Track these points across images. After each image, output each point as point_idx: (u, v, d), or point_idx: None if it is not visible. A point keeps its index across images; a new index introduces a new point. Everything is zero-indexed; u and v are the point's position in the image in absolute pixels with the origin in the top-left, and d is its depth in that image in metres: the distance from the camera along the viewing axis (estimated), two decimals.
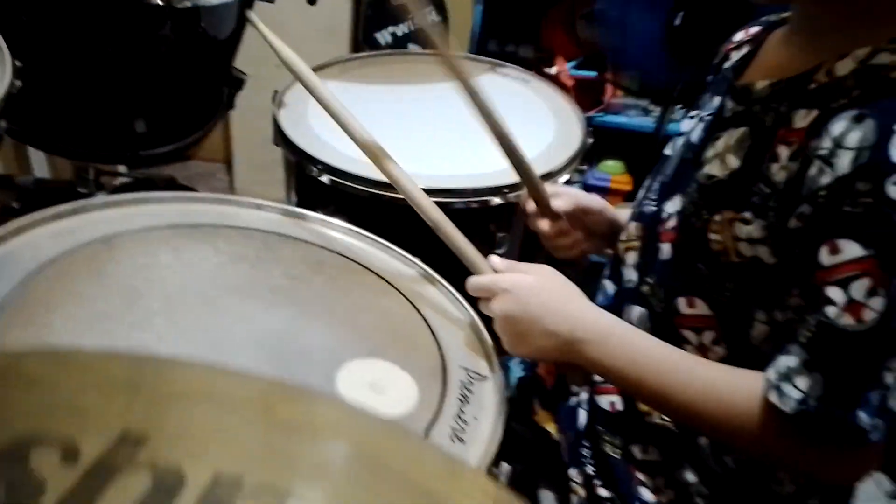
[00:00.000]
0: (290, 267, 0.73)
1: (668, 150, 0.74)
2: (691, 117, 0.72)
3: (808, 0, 0.58)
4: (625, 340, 0.62)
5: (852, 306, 0.49)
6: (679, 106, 1.79)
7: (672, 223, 0.66)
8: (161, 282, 0.64)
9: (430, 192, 0.89)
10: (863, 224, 0.48)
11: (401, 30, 2.09)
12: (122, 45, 0.97)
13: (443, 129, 1.16)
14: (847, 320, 0.49)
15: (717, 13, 1.47)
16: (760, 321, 0.59)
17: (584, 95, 1.81)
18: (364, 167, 0.97)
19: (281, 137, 1.09)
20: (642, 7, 1.50)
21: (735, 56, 0.71)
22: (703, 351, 0.63)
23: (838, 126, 0.50)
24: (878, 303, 0.48)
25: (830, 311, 0.49)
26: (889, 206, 0.47)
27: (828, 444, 0.52)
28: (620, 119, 1.88)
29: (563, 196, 0.82)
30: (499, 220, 1.04)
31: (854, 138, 0.49)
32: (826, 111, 0.52)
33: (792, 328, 0.53)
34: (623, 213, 0.85)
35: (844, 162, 0.49)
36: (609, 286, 0.76)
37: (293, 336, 0.64)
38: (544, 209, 0.81)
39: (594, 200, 0.84)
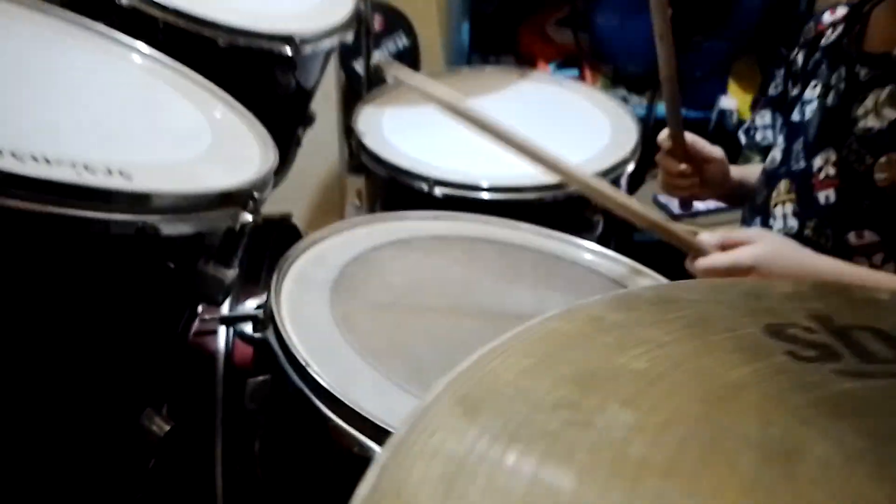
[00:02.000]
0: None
1: (795, 117, 0.86)
2: (808, 87, 0.84)
3: None
4: (858, 277, 0.71)
5: None
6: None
7: (829, 172, 0.77)
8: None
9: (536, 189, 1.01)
10: None
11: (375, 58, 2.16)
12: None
13: (526, 129, 1.25)
14: None
15: (699, 8, 1.65)
16: None
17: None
18: (470, 176, 1.06)
19: (376, 161, 1.14)
20: (635, 7, 1.64)
21: (833, 33, 0.83)
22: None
23: None
24: None
25: None
26: None
27: None
28: None
29: (697, 144, 0.92)
30: (592, 205, 1.14)
31: None
32: None
33: None
34: (735, 170, 0.97)
35: None
36: None
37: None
38: (676, 149, 0.91)
39: (715, 151, 0.94)
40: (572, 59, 2.15)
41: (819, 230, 0.78)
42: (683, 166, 0.91)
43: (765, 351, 0.28)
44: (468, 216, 0.93)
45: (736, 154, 2.05)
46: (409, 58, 2.10)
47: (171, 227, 0.49)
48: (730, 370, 0.26)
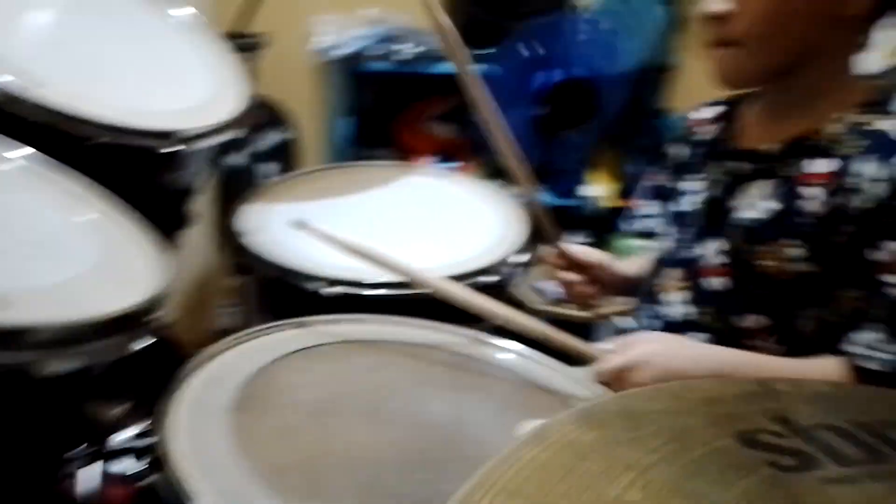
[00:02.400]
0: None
1: (679, 208, 0.91)
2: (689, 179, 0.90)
3: (780, 91, 0.80)
4: (748, 364, 0.75)
5: None
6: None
7: (716, 261, 0.82)
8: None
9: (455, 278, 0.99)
10: None
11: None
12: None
13: (416, 224, 1.25)
14: None
15: (567, 107, 1.78)
16: (810, 319, 0.77)
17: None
18: (365, 273, 1.03)
19: (260, 262, 1.08)
20: (516, 101, 1.74)
21: (705, 131, 0.91)
22: (767, 353, 0.79)
23: (865, 167, 0.70)
24: None
25: (894, 291, 0.68)
26: None
27: None
28: None
29: (583, 253, 0.97)
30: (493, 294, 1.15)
31: (883, 173, 0.69)
32: (843, 158, 0.72)
33: (855, 316, 0.71)
34: (628, 265, 1.02)
35: (878, 190, 0.69)
36: (654, 325, 0.90)
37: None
38: (570, 263, 0.95)
39: (605, 257, 0.99)
40: (451, 154, 2.23)
41: (713, 315, 0.82)
42: (579, 277, 0.95)
43: (748, 465, 0.27)
44: (373, 317, 0.90)
45: (606, 240, 2.19)
46: (290, 151, 2.08)
47: (53, 364, 0.42)
48: (724, 491, 0.25)
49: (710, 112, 0.93)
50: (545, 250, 0.97)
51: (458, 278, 1.04)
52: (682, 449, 0.29)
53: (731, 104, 0.89)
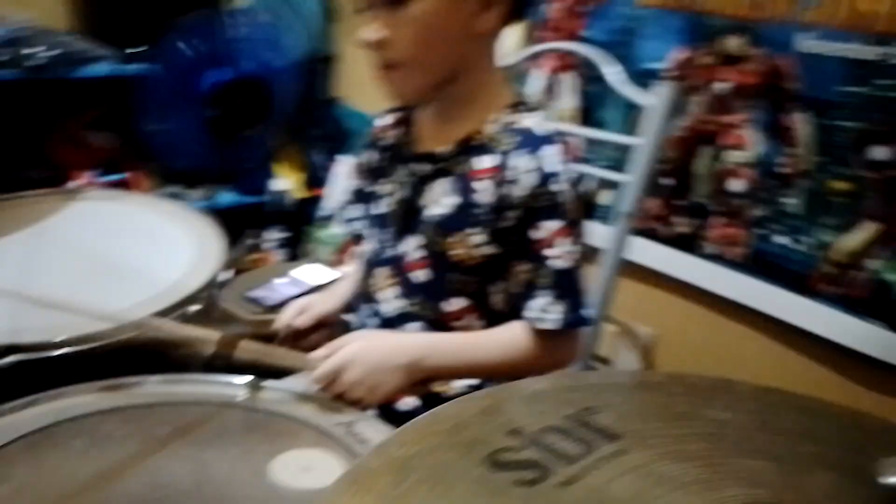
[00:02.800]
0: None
1: (376, 210, 0.96)
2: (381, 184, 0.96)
3: (443, 99, 0.88)
4: (442, 343, 0.85)
5: (564, 255, 0.82)
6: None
7: (416, 256, 0.89)
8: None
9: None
10: (550, 208, 0.82)
11: None
12: None
13: (97, 259, 1.11)
14: (564, 263, 0.82)
15: (241, 108, 1.74)
16: (498, 294, 0.89)
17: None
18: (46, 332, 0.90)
19: None
20: (183, 104, 1.64)
21: (388, 137, 0.97)
22: (470, 330, 0.90)
23: (518, 160, 0.82)
24: (572, 248, 0.83)
25: (553, 262, 0.82)
26: (557, 197, 0.81)
27: (573, 338, 0.86)
28: None
29: (304, 313, 1.00)
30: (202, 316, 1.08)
31: (528, 165, 0.81)
32: (500, 154, 0.84)
33: (529, 286, 0.84)
34: (338, 287, 1.06)
35: (529, 179, 0.81)
36: (371, 322, 0.96)
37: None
38: (294, 335, 0.99)
39: (326, 303, 1.03)
40: (114, 164, 2.01)
41: (422, 304, 0.90)
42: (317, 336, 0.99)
43: (500, 490, 0.32)
44: (76, 388, 0.78)
45: (300, 234, 2.20)
46: None
47: None
48: None
49: (390, 118, 1.00)
50: (282, 330, 0.99)
51: (162, 314, 0.97)
52: (447, 489, 0.32)
53: (408, 110, 0.97)
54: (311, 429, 0.75)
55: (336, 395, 0.79)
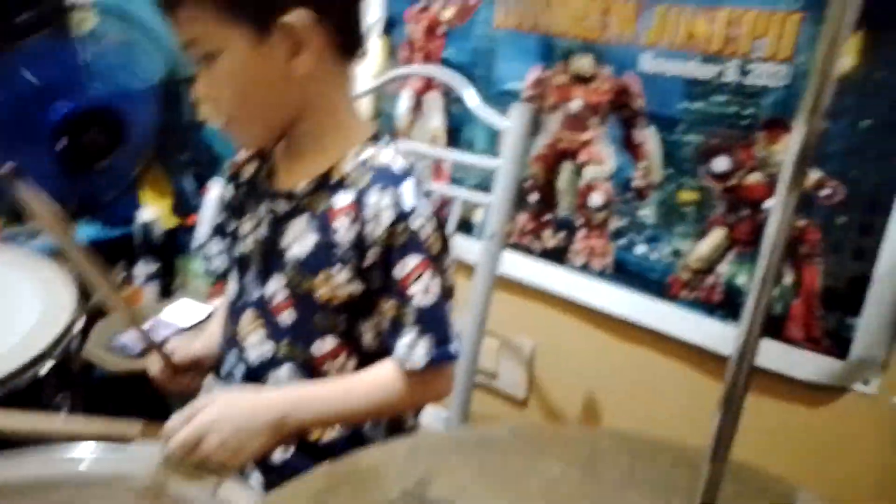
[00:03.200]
0: None
1: (238, 251, 0.92)
2: (242, 222, 0.92)
3: (293, 138, 0.86)
4: (308, 395, 0.82)
5: (426, 289, 0.82)
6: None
7: (281, 297, 0.86)
8: None
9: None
10: (410, 244, 0.81)
11: None
12: None
13: None
14: (427, 299, 0.82)
15: (93, 139, 1.63)
16: (368, 332, 0.87)
17: None
18: None
19: None
20: (29, 136, 1.52)
21: (245, 171, 0.94)
22: (343, 372, 0.88)
23: (373, 197, 0.80)
24: (434, 283, 0.82)
25: (416, 299, 0.81)
26: (417, 233, 0.81)
27: (442, 373, 0.85)
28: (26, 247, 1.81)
29: (177, 352, 0.97)
30: (55, 383, 1.00)
31: (385, 202, 0.80)
32: (357, 192, 0.82)
33: (395, 324, 0.83)
34: (213, 325, 1.01)
35: (386, 216, 0.80)
36: (238, 370, 0.92)
37: None
38: (169, 369, 0.96)
39: (201, 343, 0.99)
40: None
41: (290, 347, 0.87)
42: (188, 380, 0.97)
43: None
44: None
45: (172, 265, 2.10)
46: None
47: None
48: None
49: (246, 154, 0.96)
50: (155, 368, 0.96)
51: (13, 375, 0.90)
52: None
53: (264, 146, 0.93)
54: (169, 500, 0.71)
55: (197, 462, 0.75)
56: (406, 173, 0.83)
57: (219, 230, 1.02)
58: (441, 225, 0.84)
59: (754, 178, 1.13)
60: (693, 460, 0.43)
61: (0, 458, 0.73)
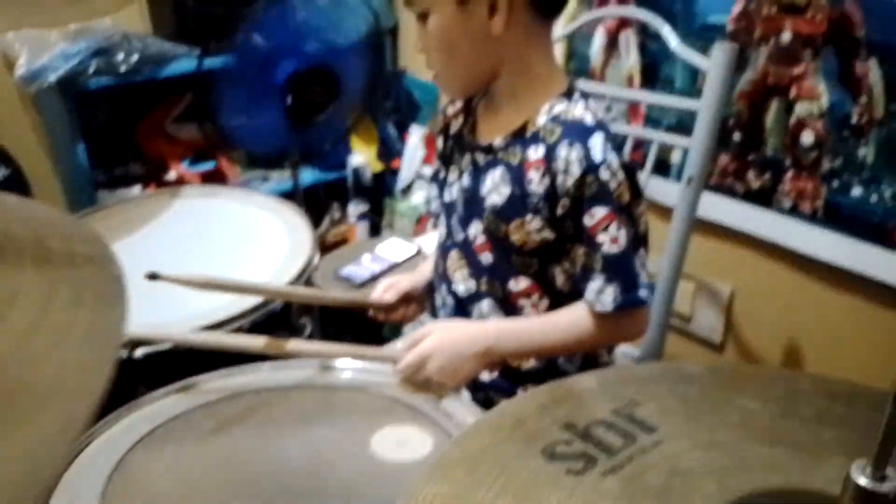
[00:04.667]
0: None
1: (446, 198, 1.03)
2: (451, 171, 1.02)
3: (492, 94, 0.94)
4: (512, 329, 0.92)
5: (612, 239, 0.86)
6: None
7: (481, 240, 0.96)
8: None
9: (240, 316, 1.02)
10: (598, 196, 0.85)
11: None
12: None
13: (207, 248, 1.23)
14: (614, 248, 0.86)
15: (313, 95, 1.82)
16: (560, 275, 0.94)
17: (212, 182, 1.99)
18: (169, 326, 1.02)
19: None
20: (261, 95, 1.73)
21: (454, 125, 1.03)
22: (537, 309, 0.96)
23: (563, 151, 0.85)
24: (622, 233, 0.86)
25: (604, 247, 0.86)
26: (605, 184, 0.85)
27: (632, 316, 0.90)
28: (260, 190, 2.09)
29: (390, 290, 1.08)
30: (299, 307, 1.20)
31: (574, 155, 0.85)
32: (549, 146, 0.87)
33: (585, 269, 0.89)
34: (423, 265, 1.14)
35: (576, 169, 0.85)
36: (448, 302, 1.03)
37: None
38: (384, 310, 1.08)
39: (411, 280, 1.10)
40: (202, 153, 2.16)
41: (490, 284, 0.97)
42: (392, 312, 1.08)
43: (552, 478, 0.38)
44: (203, 378, 0.90)
45: (380, 205, 2.30)
46: (17, 188, 1.87)
47: None
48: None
49: (455, 107, 1.05)
50: (374, 300, 1.08)
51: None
52: (509, 478, 0.39)
53: (469, 101, 1.01)
54: (403, 406, 0.84)
55: (418, 384, 0.87)
56: (595, 127, 0.87)
57: (434, 177, 1.13)
58: (631, 175, 0.87)
59: None
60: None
61: (269, 365, 0.92)
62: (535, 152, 0.88)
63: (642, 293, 0.88)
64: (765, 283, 1.42)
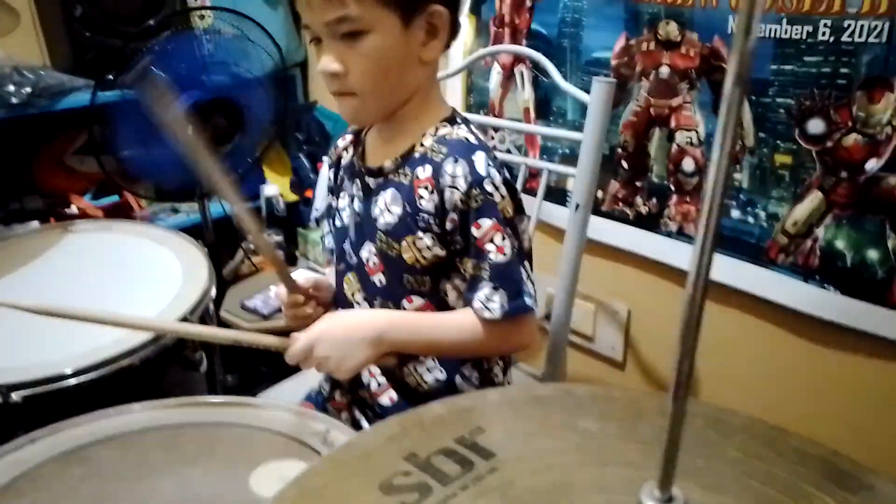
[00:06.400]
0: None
1: (337, 223, 1.04)
2: (341, 198, 1.03)
3: (389, 121, 0.95)
4: (403, 319, 0.94)
5: (499, 249, 0.89)
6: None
7: (374, 261, 0.97)
8: None
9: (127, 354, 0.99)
10: (484, 208, 0.88)
11: None
12: None
13: (98, 282, 1.19)
14: (500, 256, 0.89)
15: (217, 127, 1.80)
16: (452, 292, 0.96)
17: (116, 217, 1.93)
18: (51, 367, 0.98)
19: None
20: (161, 129, 1.70)
21: (346, 155, 1.04)
22: None
23: (449, 167, 0.88)
24: (507, 243, 0.89)
25: (491, 256, 0.89)
26: (491, 196, 0.88)
27: (518, 324, 0.92)
28: (167, 223, 2.04)
29: (301, 278, 1.05)
30: (194, 342, 1.16)
31: (460, 171, 0.88)
32: (436, 164, 0.90)
33: (472, 279, 0.91)
34: (329, 279, 1.13)
35: (462, 184, 0.88)
36: None
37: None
38: (292, 289, 1.02)
39: (322, 278, 1.09)
40: (105, 186, 2.09)
41: (383, 304, 0.99)
42: (310, 310, 1.03)
43: None
44: (71, 422, 0.86)
45: (294, 235, 2.28)
46: None
47: None
48: None
49: (345, 140, 1.07)
50: (281, 293, 1.03)
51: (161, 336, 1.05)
52: None
53: (357, 133, 1.04)
54: (291, 440, 0.83)
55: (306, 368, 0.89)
56: (478, 146, 0.91)
57: (328, 210, 1.14)
58: (513, 192, 0.91)
59: (852, 139, 1.09)
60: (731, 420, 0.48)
61: (145, 405, 0.89)
62: (424, 171, 0.91)
63: (528, 300, 0.91)
64: (658, 302, 1.48)
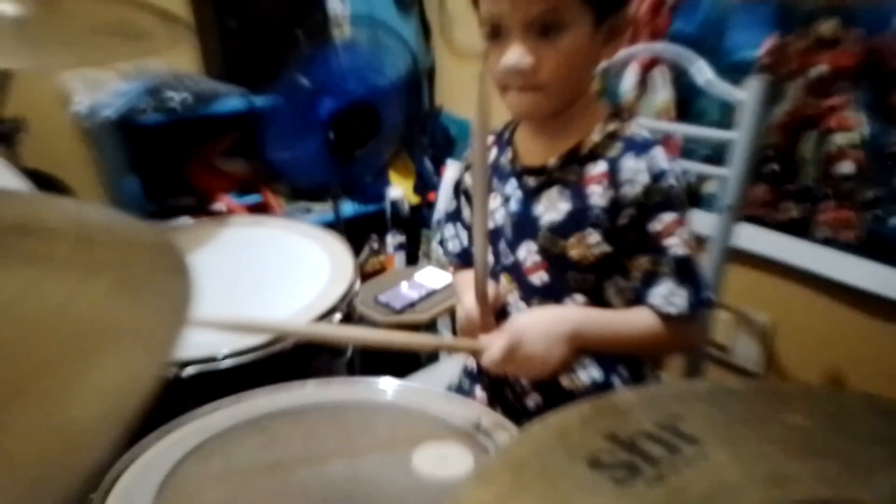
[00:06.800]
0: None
1: (490, 225, 1.04)
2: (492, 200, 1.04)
3: (553, 121, 0.95)
4: (594, 314, 0.93)
5: (684, 243, 0.88)
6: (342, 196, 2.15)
7: (534, 260, 0.98)
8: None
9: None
10: (666, 202, 0.88)
11: None
12: None
13: (251, 277, 1.28)
14: (683, 251, 0.88)
15: (354, 131, 1.89)
16: (612, 288, 0.95)
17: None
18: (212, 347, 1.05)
19: None
20: (305, 131, 1.80)
21: (490, 157, 1.06)
22: None
23: (629, 163, 0.88)
24: (688, 237, 0.88)
25: (674, 251, 0.88)
26: (672, 189, 0.87)
27: (700, 318, 0.92)
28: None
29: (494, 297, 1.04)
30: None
31: (641, 166, 0.88)
32: (611, 160, 0.90)
33: (649, 275, 0.89)
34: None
35: (644, 178, 0.88)
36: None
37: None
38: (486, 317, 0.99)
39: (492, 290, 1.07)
40: (248, 186, 2.24)
41: (542, 304, 0.98)
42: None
43: (596, 485, 0.40)
44: (251, 393, 0.93)
45: (417, 236, 2.34)
46: None
47: None
48: None
49: (488, 140, 1.07)
50: (470, 316, 0.97)
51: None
52: (553, 485, 0.40)
53: (501, 133, 1.05)
54: (443, 425, 0.86)
55: (508, 372, 0.87)
56: (654, 141, 0.91)
57: (450, 216, 1.15)
58: (686, 185, 0.90)
59: None
60: None
61: (314, 383, 0.94)
62: (596, 167, 0.91)
63: (711, 294, 0.90)
64: (804, 313, 1.41)
